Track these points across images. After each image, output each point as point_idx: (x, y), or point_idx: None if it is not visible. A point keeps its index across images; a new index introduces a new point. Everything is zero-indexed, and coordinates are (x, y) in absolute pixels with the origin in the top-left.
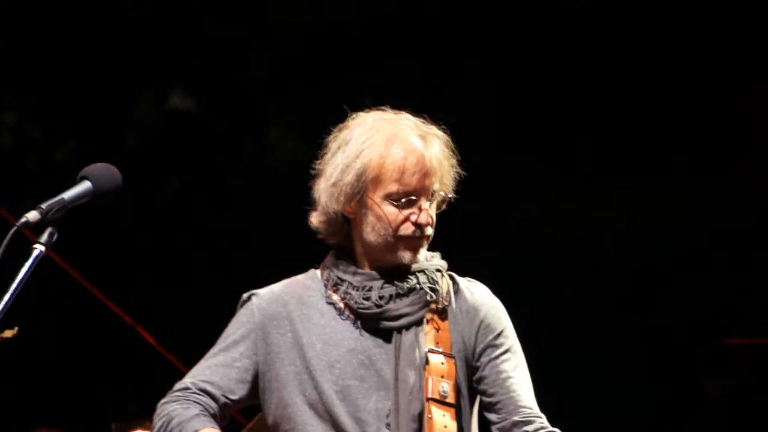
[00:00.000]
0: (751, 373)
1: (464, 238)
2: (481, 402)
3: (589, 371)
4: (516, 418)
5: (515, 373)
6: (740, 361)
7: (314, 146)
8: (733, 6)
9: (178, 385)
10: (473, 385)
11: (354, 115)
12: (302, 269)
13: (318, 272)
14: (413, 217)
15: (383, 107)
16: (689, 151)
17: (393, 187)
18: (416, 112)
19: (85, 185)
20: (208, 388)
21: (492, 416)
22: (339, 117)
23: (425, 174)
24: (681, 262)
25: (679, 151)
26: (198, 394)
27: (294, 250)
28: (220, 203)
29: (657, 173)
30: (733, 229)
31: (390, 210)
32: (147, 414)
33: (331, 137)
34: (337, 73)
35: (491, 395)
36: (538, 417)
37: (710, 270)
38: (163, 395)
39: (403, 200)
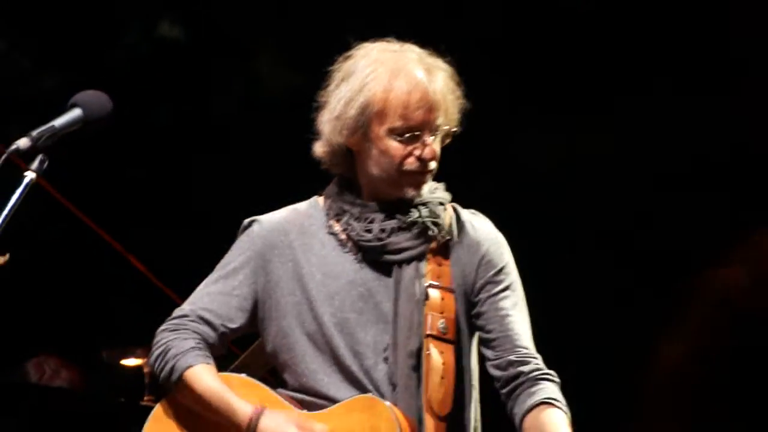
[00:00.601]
0: None
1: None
2: (478, 337)
3: (580, 308)
4: (512, 357)
5: (514, 311)
6: None
7: (305, 74)
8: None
9: (177, 312)
10: (472, 320)
11: (358, 46)
12: (297, 200)
13: (320, 200)
14: (417, 152)
15: (388, 38)
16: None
17: (397, 122)
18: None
19: (75, 112)
20: (207, 315)
21: (488, 352)
22: (331, 44)
23: (429, 108)
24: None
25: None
26: (196, 323)
27: (289, 180)
28: (210, 133)
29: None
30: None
31: (394, 144)
32: (138, 343)
33: (335, 67)
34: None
35: (489, 332)
36: (534, 358)
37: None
38: (154, 324)
39: (407, 135)
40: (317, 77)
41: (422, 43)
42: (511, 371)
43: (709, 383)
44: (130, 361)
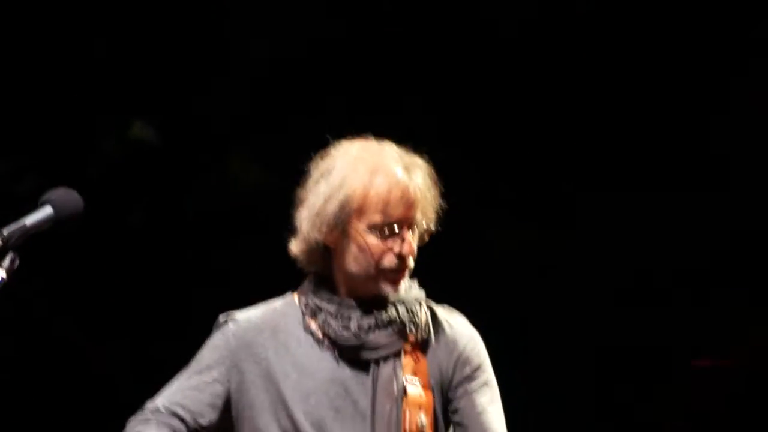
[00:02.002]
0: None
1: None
2: None
3: (560, 394)
4: None
5: (490, 408)
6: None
7: (276, 174)
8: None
9: (149, 405)
10: (449, 416)
11: (337, 144)
12: (271, 296)
13: (295, 297)
14: (396, 248)
15: (366, 135)
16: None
17: (376, 218)
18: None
19: (46, 210)
20: (179, 411)
21: None
22: (304, 146)
23: (409, 205)
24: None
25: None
26: (167, 416)
27: (261, 277)
28: (183, 233)
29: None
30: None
31: (372, 241)
32: None
33: (313, 165)
34: (300, 105)
35: (465, 427)
36: None
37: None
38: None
39: (386, 231)
40: (291, 176)
41: (399, 140)
42: None
43: None
44: None
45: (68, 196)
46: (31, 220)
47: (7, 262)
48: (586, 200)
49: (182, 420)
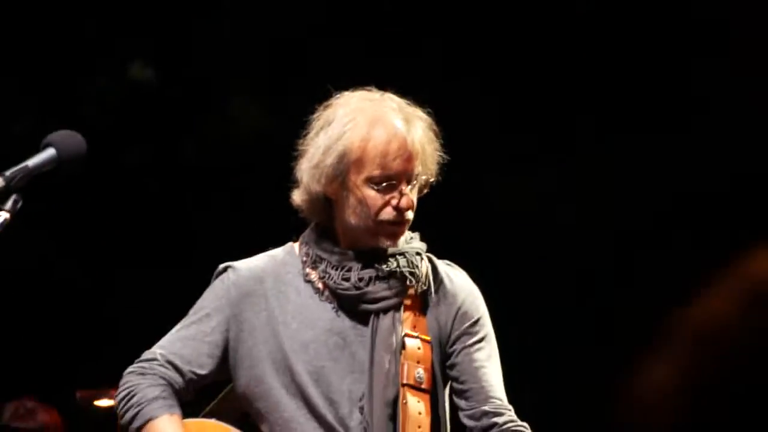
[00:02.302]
0: None
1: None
2: (451, 387)
3: (558, 356)
4: (486, 408)
5: (488, 363)
6: None
7: (275, 115)
8: None
9: (146, 355)
10: (446, 371)
11: (338, 95)
12: (269, 243)
13: (296, 247)
14: (394, 201)
15: (368, 87)
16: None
17: (375, 171)
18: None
19: (49, 152)
20: (176, 361)
21: (461, 402)
22: (303, 88)
23: (407, 158)
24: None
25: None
26: (164, 367)
27: (260, 223)
28: (181, 176)
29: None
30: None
31: (371, 194)
32: (111, 383)
33: (314, 116)
34: (302, 42)
35: (462, 382)
36: (508, 409)
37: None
38: (127, 365)
39: (384, 184)
40: (289, 120)
41: (400, 93)
42: (485, 422)
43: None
44: (104, 402)
45: (71, 139)
46: (33, 161)
47: (9, 203)
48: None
49: (179, 371)
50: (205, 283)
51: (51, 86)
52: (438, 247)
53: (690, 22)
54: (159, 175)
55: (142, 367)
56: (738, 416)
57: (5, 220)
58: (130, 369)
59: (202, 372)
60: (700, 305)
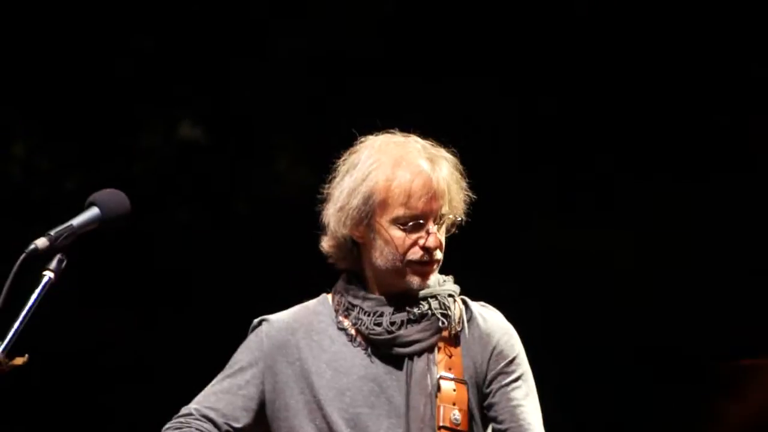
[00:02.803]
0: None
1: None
2: (492, 428)
3: (600, 393)
4: None
5: (526, 402)
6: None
7: (322, 174)
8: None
9: (183, 410)
10: (484, 411)
11: (362, 138)
12: (311, 297)
13: (329, 297)
14: (421, 241)
15: (392, 130)
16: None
17: (400, 211)
18: (423, 132)
19: (93, 211)
20: (211, 415)
21: None
22: (347, 142)
23: (433, 197)
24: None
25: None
26: (200, 421)
27: (302, 278)
28: (228, 233)
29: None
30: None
31: (397, 234)
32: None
33: (340, 161)
34: (343, 95)
35: (500, 422)
36: None
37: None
38: (163, 413)
39: (411, 224)
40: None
41: (426, 135)
42: None
43: None
44: None
45: (115, 197)
46: (78, 221)
47: (54, 263)
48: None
49: (215, 424)
50: (245, 333)
51: (101, 144)
52: (476, 292)
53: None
54: (207, 231)
55: (180, 422)
56: None
57: (50, 279)
58: (167, 426)
59: (238, 425)
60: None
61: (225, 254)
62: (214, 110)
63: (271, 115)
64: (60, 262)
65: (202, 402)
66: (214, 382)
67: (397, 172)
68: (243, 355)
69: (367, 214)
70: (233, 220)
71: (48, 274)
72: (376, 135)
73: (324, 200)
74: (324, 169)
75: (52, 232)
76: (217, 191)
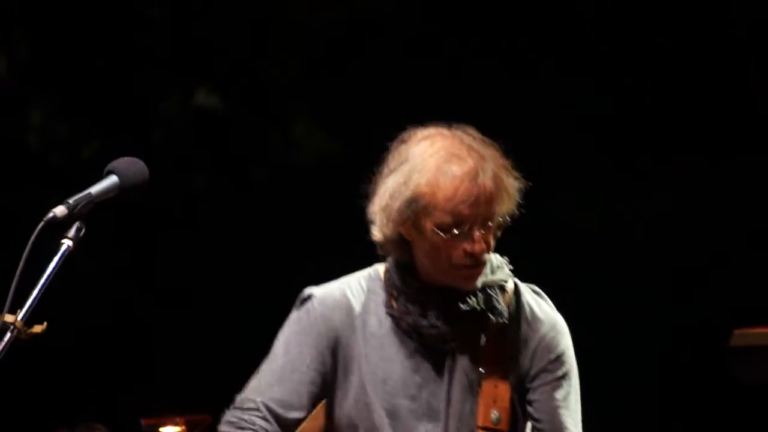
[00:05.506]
0: None
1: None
2: (530, 425)
3: (623, 367)
4: None
5: (566, 402)
6: None
7: (340, 141)
8: None
9: (245, 402)
10: (524, 406)
11: (410, 132)
12: (337, 267)
13: (381, 273)
14: (468, 247)
15: (440, 124)
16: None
17: (445, 218)
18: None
19: (111, 179)
20: (277, 409)
21: None
22: (365, 112)
23: (479, 202)
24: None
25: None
26: (265, 420)
27: (320, 244)
28: (246, 200)
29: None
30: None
31: (442, 239)
32: (175, 409)
33: (388, 152)
34: (365, 68)
35: (538, 420)
36: None
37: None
38: (192, 390)
39: (456, 230)
40: (355, 142)
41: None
42: None
43: None
44: (169, 430)
45: (134, 165)
46: (96, 189)
47: (73, 231)
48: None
49: (279, 420)
50: (275, 313)
51: (119, 112)
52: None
53: None
54: (224, 199)
55: (242, 419)
56: None
57: (68, 248)
58: (227, 418)
59: (302, 415)
60: None
61: (243, 221)
62: (231, 77)
63: (289, 80)
64: (78, 230)
65: (266, 393)
66: (272, 367)
67: (441, 177)
68: (300, 339)
69: (410, 218)
70: (252, 186)
71: (66, 242)
72: (424, 128)
73: (370, 193)
74: (341, 136)
75: (71, 200)
76: (234, 158)
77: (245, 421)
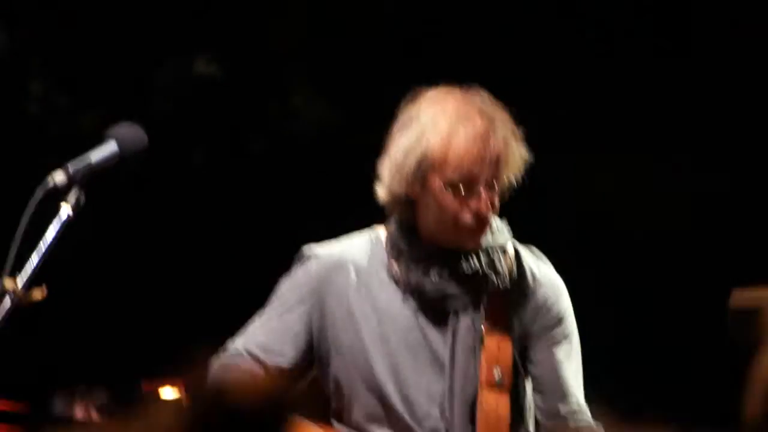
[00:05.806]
0: None
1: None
2: (531, 385)
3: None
4: (561, 406)
5: (568, 361)
6: None
7: (339, 110)
8: None
9: (231, 349)
10: (525, 365)
11: (423, 92)
12: (328, 232)
13: (382, 235)
14: (474, 205)
15: (452, 84)
16: None
17: (454, 176)
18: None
19: (110, 145)
20: (259, 354)
21: (537, 398)
22: (365, 81)
23: (488, 162)
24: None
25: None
26: (246, 360)
27: (319, 213)
28: (245, 169)
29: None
30: None
31: (450, 197)
32: (175, 372)
33: (399, 112)
34: (366, 37)
35: (540, 379)
36: (583, 409)
37: None
38: (188, 354)
39: (464, 188)
40: (354, 111)
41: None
42: (558, 421)
43: None
44: (168, 393)
45: (133, 132)
46: (95, 156)
47: (72, 198)
48: None
49: (261, 363)
50: (275, 273)
51: (119, 80)
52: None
53: None
54: (224, 169)
55: (226, 365)
56: None
57: (68, 215)
58: (214, 364)
59: (284, 363)
60: None
61: (242, 190)
62: (229, 47)
63: (287, 49)
64: (77, 197)
65: (250, 339)
66: (261, 317)
67: (452, 135)
68: (290, 289)
69: (421, 176)
70: (250, 156)
71: (66, 208)
72: (436, 89)
73: (381, 151)
74: (341, 105)
75: (70, 168)
76: (233, 127)
77: (229, 365)
